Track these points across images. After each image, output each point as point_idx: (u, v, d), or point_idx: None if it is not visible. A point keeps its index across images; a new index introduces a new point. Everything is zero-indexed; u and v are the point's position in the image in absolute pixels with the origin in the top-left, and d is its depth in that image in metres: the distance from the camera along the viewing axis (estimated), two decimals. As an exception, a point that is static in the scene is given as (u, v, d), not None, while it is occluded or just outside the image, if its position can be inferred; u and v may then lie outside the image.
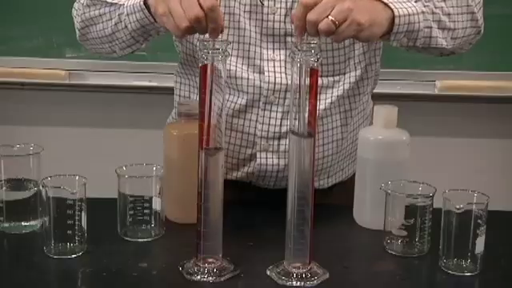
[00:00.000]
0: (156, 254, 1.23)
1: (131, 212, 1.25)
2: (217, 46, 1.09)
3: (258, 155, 1.42)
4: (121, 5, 1.31)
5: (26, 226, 1.28)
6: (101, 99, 2.51)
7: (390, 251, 1.24)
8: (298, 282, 1.12)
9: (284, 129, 1.39)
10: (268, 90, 1.38)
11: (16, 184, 1.27)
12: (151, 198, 1.25)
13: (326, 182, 1.48)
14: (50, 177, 1.18)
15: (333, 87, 1.42)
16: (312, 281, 1.12)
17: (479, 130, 2.50)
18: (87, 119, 2.55)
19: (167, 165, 1.31)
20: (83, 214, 1.17)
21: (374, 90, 1.58)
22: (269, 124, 1.40)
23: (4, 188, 1.26)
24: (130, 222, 1.26)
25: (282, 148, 1.40)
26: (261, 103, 1.39)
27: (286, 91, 1.38)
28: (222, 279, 1.12)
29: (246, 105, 1.40)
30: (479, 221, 1.14)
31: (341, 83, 1.42)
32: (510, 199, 1.90)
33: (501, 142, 2.54)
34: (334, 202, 1.45)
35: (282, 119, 1.40)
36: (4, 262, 1.22)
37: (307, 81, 1.09)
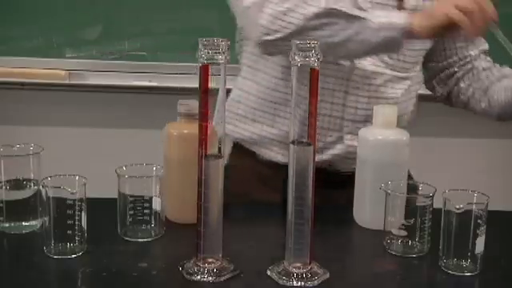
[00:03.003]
0: (156, 254, 1.23)
1: (131, 212, 1.25)
2: (217, 46, 1.09)
3: (345, 138, 1.49)
4: (365, 19, 1.34)
5: (26, 226, 1.28)
6: (101, 99, 2.51)
7: (390, 251, 1.24)
8: (299, 282, 1.11)
9: (370, 112, 1.44)
10: (355, 74, 1.46)
11: (16, 184, 1.27)
12: (151, 198, 1.25)
13: None
14: (50, 177, 1.18)
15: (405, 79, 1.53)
16: (312, 281, 1.12)
17: (479, 130, 2.50)
18: (87, 119, 2.55)
19: (167, 165, 1.31)
20: (83, 213, 1.17)
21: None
22: (356, 108, 1.48)
23: (4, 188, 1.26)
24: (129, 222, 1.26)
25: None
26: (350, 88, 1.47)
27: (371, 75, 1.46)
28: (222, 279, 1.12)
29: (334, 89, 1.47)
30: (479, 221, 1.14)
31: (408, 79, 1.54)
32: (510, 199, 1.89)
33: (501, 141, 2.54)
34: (333, 201, 1.45)
35: (367, 103, 1.47)
36: (4, 262, 1.21)
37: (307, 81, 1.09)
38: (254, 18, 1.37)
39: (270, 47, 1.39)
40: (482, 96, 1.60)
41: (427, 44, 1.54)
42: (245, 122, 1.56)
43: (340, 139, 1.51)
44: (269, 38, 1.36)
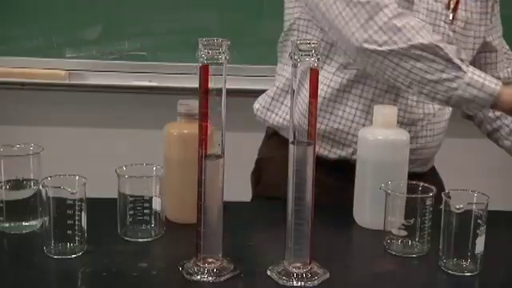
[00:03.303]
0: (156, 254, 1.23)
1: (131, 212, 1.25)
2: (217, 46, 1.09)
3: None
4: (464, 71, 1.34)
5: (26, 225, 1.28)
6: (101, 99, 2.51)
7: (390, 251, 1.24)
8: (299, 282, 1.11)
9: (416, 116, 1.48)
10: None
11: (16, 184, 1.27)
12: (151, 198, 1.25)
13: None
14: (50, 177, 1.18)
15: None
16: (312, 281, 1.12)
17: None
18: (87, 119, 2.55)
19: (167, 165, 1.31)
20: (83, 213, 1.17)
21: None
22: (405, 111, 1.48)
23: (4, 188, 1.26)
24: (129, 222, 1.26)
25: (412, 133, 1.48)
26: (401, 90, 1.46)
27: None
28: (222, 279, 1.12)
29: (387, 91, 1.47)
30: (479, 221, 1.14)
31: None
32: (509, 199, 1.89)
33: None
34: (334, 202, 1.45)
35: (416, 107, 1.49)
36: (4, 262, 1.21)
37: (307, 82, 1.09)
38: (363, 20, 1.35)
39: (362, 54, 1.36)
40: (508, 134, 1.61)
41: (474, 51, 1.54)
42: (288, 112, 1.54)
43: None
44: (367, 46, 1.34)
